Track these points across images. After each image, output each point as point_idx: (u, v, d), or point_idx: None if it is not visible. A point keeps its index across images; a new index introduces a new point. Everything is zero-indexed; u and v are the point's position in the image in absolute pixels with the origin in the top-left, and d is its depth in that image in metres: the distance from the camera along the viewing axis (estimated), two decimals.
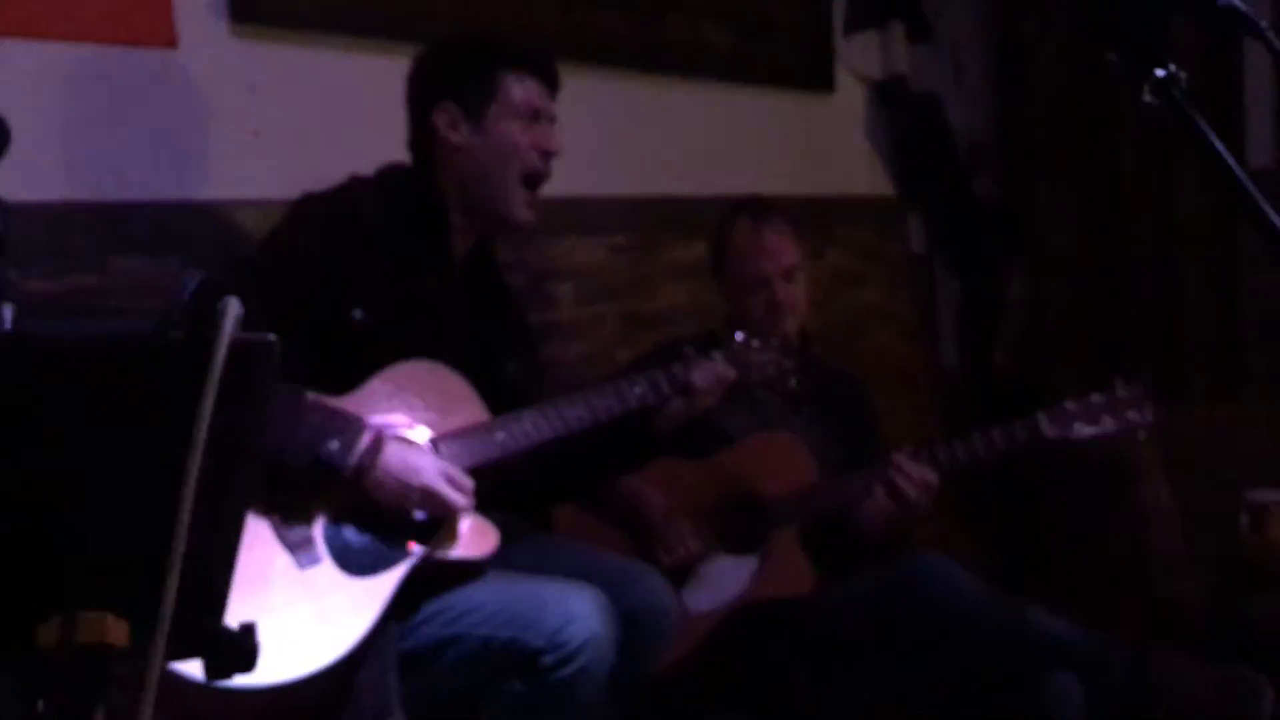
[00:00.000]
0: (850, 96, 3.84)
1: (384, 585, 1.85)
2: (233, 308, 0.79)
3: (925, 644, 2.35)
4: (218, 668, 0.88)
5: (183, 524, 0.72)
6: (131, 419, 0.79)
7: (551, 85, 2.11)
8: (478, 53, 2.08)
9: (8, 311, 0.96)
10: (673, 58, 3.15)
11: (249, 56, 2.22)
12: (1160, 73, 1.04)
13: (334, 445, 1.81)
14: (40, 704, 0.77)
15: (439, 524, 1.91)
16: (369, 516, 1.88)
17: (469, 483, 1.91)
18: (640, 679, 2.00)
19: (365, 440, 1.83)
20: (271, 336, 0.84)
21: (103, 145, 2.04)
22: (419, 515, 1.90)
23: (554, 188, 2.13)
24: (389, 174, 2.08)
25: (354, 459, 1.82)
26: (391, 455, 1.85)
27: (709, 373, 2.13)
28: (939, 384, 4.09)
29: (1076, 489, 3.38)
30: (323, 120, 2.33)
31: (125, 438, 0.79)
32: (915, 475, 2.37)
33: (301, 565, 1.81)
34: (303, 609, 1.78)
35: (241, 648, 0.87)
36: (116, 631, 0.76)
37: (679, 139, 3.18)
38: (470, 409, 2.00)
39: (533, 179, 2.08)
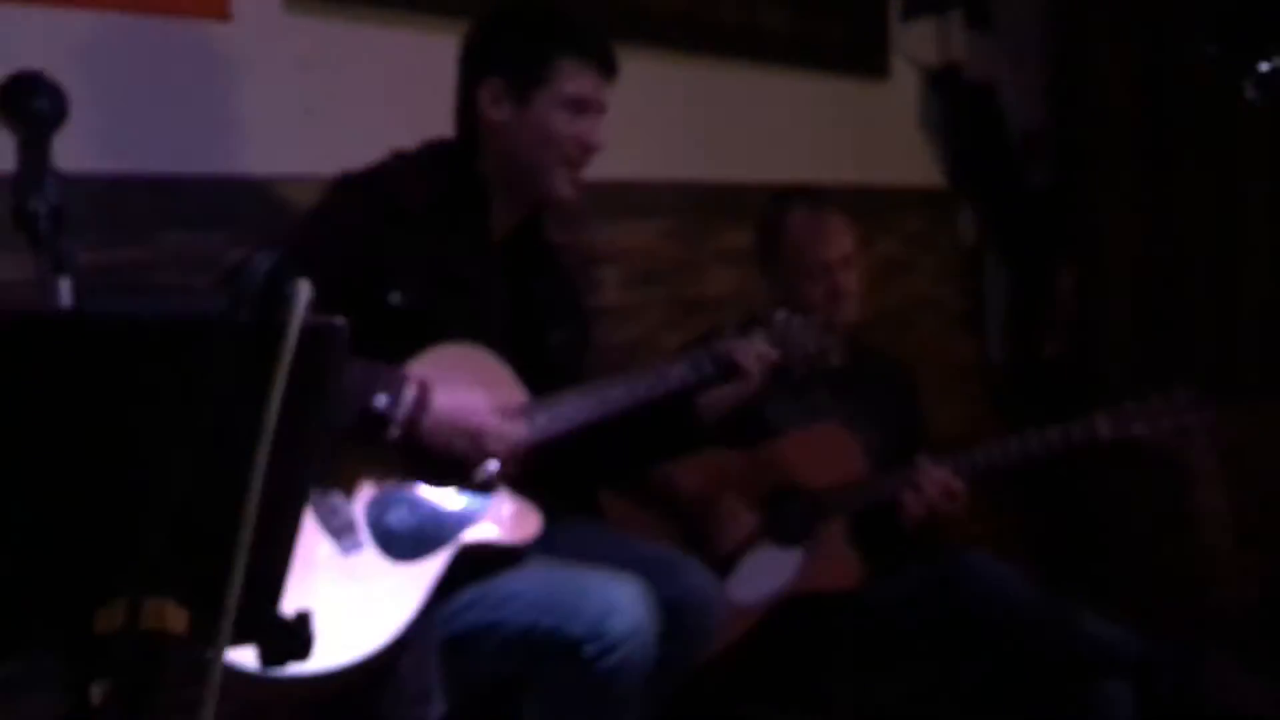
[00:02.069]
0: (905, 83, 3.79)
1: (427, 571, 1.82)
2: (304, 290, 0.76)
3: (971, 643, 2.32)
4: (274, 655, 0.87)
5: (251, 510, 0.70)
6: (198, 402, 0.76)
7: (608, 74, 2.03)
8: (537, 31, 2.01)
9: (66, 285, 0.94)
10: (726, 39, 3.10)
11: (302, 32, 2.20)
12: (1265, 66, 0.99)
13: (382, 400, 1.76)
14: (97, 689, 0.75)
15: (484, 506, 1.89)
16: (411, 500, 1.86)
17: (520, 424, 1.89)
18: (683, 671, 1.97)
19: (412, 391, 1.79)
20: (341, 320, 0.82)
21: (154, 117, 2.02)
22: (486, 466, 1.86)
23: (603, 171, 2.09)
24: (430, 150, 2.02)
25: (403, 411, 1.78)
26: (441, 399, 1.81)
27: (749, 350, 2.09)
28: (987, 375, 4.04)
29: (1130, 490, 3.34)
30: (374, 97, 2.30)
31: (190, 421, 0.77)
32: (939, 481, 2.34)
33: (345, 551, 1.79)
34: (346, 596, 1.75)
35: (298, 635, 0.85)
36: (176, 619, 0.74)
37: (731, 123, 3.13)
38: (508, 391, 1.96)
39: (571, 166, 2.02)
